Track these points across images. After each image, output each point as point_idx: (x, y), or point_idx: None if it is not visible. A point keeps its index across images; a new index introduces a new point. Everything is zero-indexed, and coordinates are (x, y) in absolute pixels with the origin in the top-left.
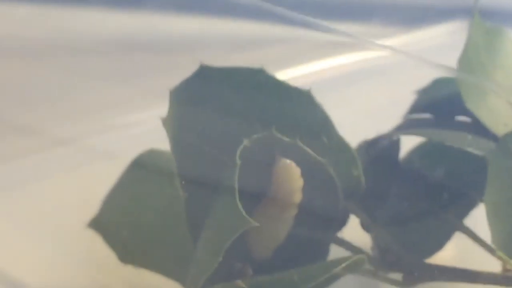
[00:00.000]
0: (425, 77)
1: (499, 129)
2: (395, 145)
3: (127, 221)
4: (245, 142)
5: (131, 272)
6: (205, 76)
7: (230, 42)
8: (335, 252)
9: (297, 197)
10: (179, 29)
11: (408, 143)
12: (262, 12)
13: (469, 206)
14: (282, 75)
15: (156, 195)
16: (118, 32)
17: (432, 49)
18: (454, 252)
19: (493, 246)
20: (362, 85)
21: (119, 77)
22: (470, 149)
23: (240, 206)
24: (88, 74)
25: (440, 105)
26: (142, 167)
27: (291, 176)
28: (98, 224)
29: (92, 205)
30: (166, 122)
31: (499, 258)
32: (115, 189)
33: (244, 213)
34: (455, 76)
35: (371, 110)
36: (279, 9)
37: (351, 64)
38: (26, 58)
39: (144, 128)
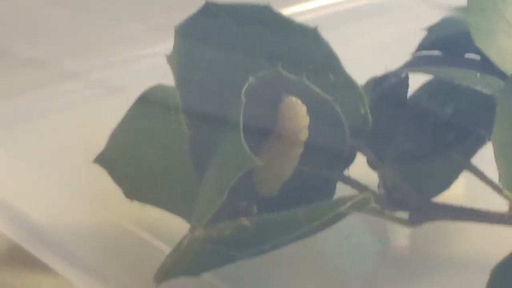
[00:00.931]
0: (435, 14)
1: (509, 68)
2: (404, 82)
3: (133, 157)
4: (251, 79)
5: (135, 208)
6: (211, 13)
7: None
8: (342, 190)
9: (303, 134)
10: None
11: (418, 80)
12: None
13: (477, 144)
14: (288, 11)
15: (162, 131)
16: None
17: None
18: (461, 191)
19: (500, 185)
20: (370, 21)
21: (127, 12)
22: (478, 88)
23: (245, 144)
24: (96, 9)
25: (449, 42)
26: (149, 103)
27: (297, 113)
28: (104, 159)
29: (100, 140)
30: (171, 58)
31: (506, 197)
32: (122, 124)
33: (248, 151)
34: (462, 15)
35: (380, 47)
36: None
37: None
38: None
39: (152, 62)
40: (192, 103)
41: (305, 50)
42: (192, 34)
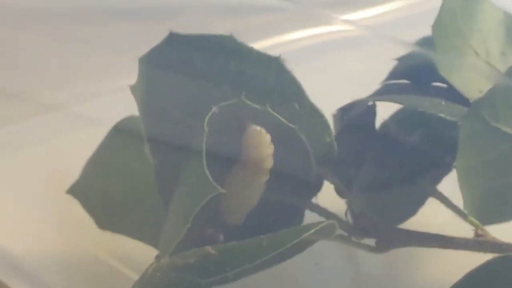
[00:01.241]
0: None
1: (474, 96)
2: (371, 111)
3: (105, 187)
4: (214, 108)
5: (107, 237)
6: (175, 43)
7: (207, 10)
8: (312, 219)
9: (268, 162)
10: None
11: (390, 109)
12: None
13: (443, 171)
14: (257, 45)
15: (133, 161)
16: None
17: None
18: (427, 218)
19: (465, 211)
20: (340, 55)
21: (108, 44)
22: (442, 115)
23: (207, 172)
24: (77, 40)
25: (417, 72)
26: (122, 133)
27: (262, 142)
28: (77, 190)
29: (76, 171)
30: (134, 89)
31: (471, 223)
32: (95, 155)
33: (211, 179)
34: (429, 46)
35: (351, 78)
36: None
37: (329, 34)
38: (13, 25)
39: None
40: (156, 132)
41: (269, 79)
42: (156, 64)
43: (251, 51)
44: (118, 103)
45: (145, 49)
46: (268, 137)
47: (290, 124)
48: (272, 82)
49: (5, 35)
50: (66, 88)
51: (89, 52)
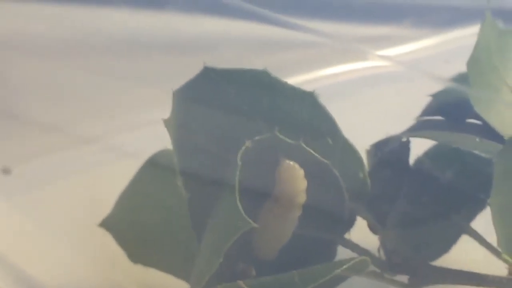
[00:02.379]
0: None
1: (509, 133)
2: (405, 147)
3: (138, 220)
4: (247, 143)
5: (143, 271)
6: (209, 77)
7: (243, 45)
8: (345, 255)
9: (301, 198)
10: (197, 30)
11: (424, 146)
12: (274, 19)
13: (477, 208)
14: (293, 80)
15: (167, 194)
16: (141, 32)
17: (463, 50)
18: (461, 255)
19: (499, 249)
20: (375, 90)
21: (144, 77)
22: (477, 151)
23: (240, 207)
24: (111, 73)
25: (452, 108)
26: (156, 167)
27: (295, 177)
28: (109, 223)
29: (110, 204)
30: (168, 123)
31: (505, 261)
32: (128, 189)
33: (243, 214)
34: (464, 83)
35: (386, 114)
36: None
37: (365, 69)
38: (51, 58)
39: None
40: (189, 165)
41: (303, 114)
42: (190, 98)
43: (285, 85)
44: (154, 136)
45: (180, 82)
46: (301, 172)
47: (323, 159)
48: (305, 117)
49: (44, 67)
50: (102, 121)
51: (126, 85)
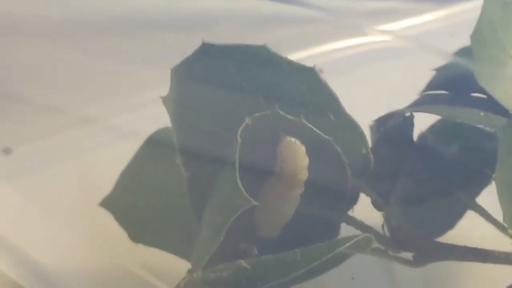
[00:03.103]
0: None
1: None
2: (409, 122)
3: (138, 200)
4: (247, 120)
5: (144, 250)
6: (208, 54)
7: (242, 21)
8: (348, 232)
9: (303, 175)
10: (196, 7)
11: (428, 121)
12: None
13: (482, 184)
14: (294, 56)
15: (167, 173)
16: (140, 12)
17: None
18: (466, 231)
19: (504, 224)
20: (378, 65)
21: (143, 56)
22: (481, 126)
23: (240, 184)
24: (110, 53)
25: (456, 82)
26: (155, 145)
27: (296, 154)
28: (110, 203)
29: (111, 184)
30: (166, 100)
31: (511, 236)
32: (128, 168)
33: (244, 192)
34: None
35: (389, 90)
36: None
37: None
38: (50, 39)
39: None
40: (188, 144)
41: (303, 90)
42: (188, 75)
43: (285, 61)
44: (155, 116)
45: (180, 60)
46: (303, 149)
47: (325, 136)
48: (306, 93)
49: (41, 49)
50: (102, 101)
51: (126, 65)
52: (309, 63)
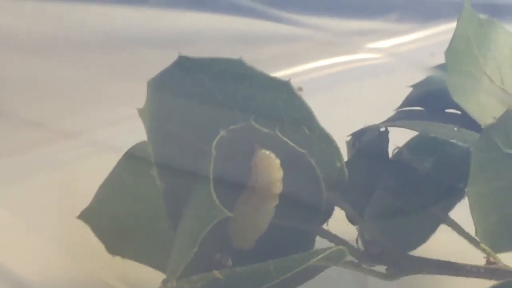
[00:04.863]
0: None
1: (488, 122)
2: (384, 137)
3: (116, 212)
4: (222, 132)
5: (122, 262)
6: (184, 67)
7: (228, 39)
8: (324, 245)
9: (278, 187)
10: (181, 24)
11: (405, 137)
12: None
13: (456, 198)
14: (281, 73)
15: (144, 185)
16: (123, 27)
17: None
18: (439, 245)
19: (477, 238)
20: (360, 83)
21: (125, 71)
22: (454, 141)
23: (214, 196)
24: (92, 68)
25: (432, 98)
26: (134, 159)
27: (271, 166)
28: (88, 215)
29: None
30: (142, 112)
31: (483, 250)
32: (107, 181)
33: (218, 203)
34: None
35: (370, 106)
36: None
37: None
38: (31, 53)
39: None
40: (164, 155)
41: (279, 103)
42: (164, 88)
43: (260, 75)
44: (136, 129)
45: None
46: (277, 161)
47: (299, 149)
48: (281, 106)
49: (22, 63)
50: (83, 115)
51: (107, 79)
52: (295, 80)
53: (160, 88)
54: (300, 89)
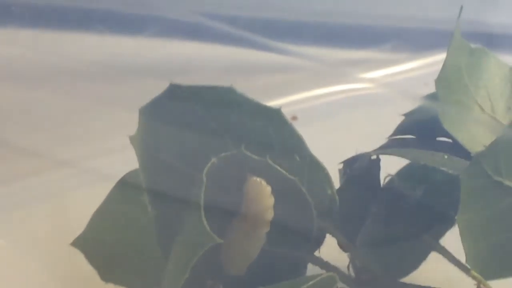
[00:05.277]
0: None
1: (478, 150)
2: (375, 164)
3: (109, 240)
4: (213, 160)
5: None
6: (175, 94)
7: (222, 68)
8: (316, 272)
9: (269, 214)
10: (173, 53)
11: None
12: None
13: (446, 226)
14: (272, 102)
15: (137, 213)
16: (116, 56)
17: None
18: (430, 272)
19: (467, 265)
20: (353, 112)
21: (119, 101)
22: (444, 169)
23: (205, 222)
24: (86, 97)
25: (423, 126)
26: (127, 186)
27: (262, 193)
28: (81, 243)
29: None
30: (134, 139)
31: (474, 277)
32: (101, 208)
33: (208, 229)
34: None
35: (362, 135)
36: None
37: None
38: (25, 82)
39: None
40: (155, 182)
41: (270, 131)
42: (156, 115)
43: (251, 102)
44: (130, 159)
45: None
46: (268, 188)
47: (290, 176)
48: (272, 134)
49: (17, 92)
50: (76, 144)
51: (101, 109)
52: (284, 110)
53: (151, 116)
54: (294, 118)
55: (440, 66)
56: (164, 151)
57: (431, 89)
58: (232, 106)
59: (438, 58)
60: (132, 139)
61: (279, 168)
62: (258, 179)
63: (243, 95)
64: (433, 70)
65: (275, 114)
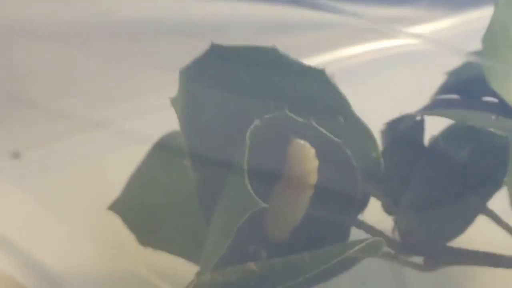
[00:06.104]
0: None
1: None
2: (419, 125)
3: (147, 203)
4: (256, 122)
5: (153, 254)
6: (217, 55)
7: (261, 26)
8: (359, 236)
9: (312, 178)
10: (211, 12)
11: (440, 125)
12: None
13: (493, 188)
14: (311, 61)
15: (176, 176)
16: (153, 15)
17: (479, 31)
18: (477, 235)
19: None
20: (395, 70)
21: (156, 61)
22: (492, 129)
23: (249, 187)
24: (121, 57)
25: (468, 86)
26: (164, 149)
27: (306, 156)
28: (118, 206)
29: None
30: (175, 102)
31: None
32: (137, 171)
33: (253, 193)
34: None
35: (404, 95)
36: None
37: (386, 49)
38: (60, 43)
39: None
40: (197, 146)
41: (314, 92)
42: (197, 77)
43: (294, 63)
44: (166, 120)
45: None
46: (312, 151)
47: (335, 138)
48: (316, 95)
49: (51, 53)
50: (112, 105)
51: (136, 69)
52: (332, 67)
53: (192, 77)
54: (332, 75)
55: (477, 24)
56: (205, 114)
57: (469, 47)
58: (275, 67)
59: (474, 16)
60: (173, 101)
61: (323, 130)
62: (302, 141)
63: (287, 56)
64: (470, 28)
65: (319, 74)
